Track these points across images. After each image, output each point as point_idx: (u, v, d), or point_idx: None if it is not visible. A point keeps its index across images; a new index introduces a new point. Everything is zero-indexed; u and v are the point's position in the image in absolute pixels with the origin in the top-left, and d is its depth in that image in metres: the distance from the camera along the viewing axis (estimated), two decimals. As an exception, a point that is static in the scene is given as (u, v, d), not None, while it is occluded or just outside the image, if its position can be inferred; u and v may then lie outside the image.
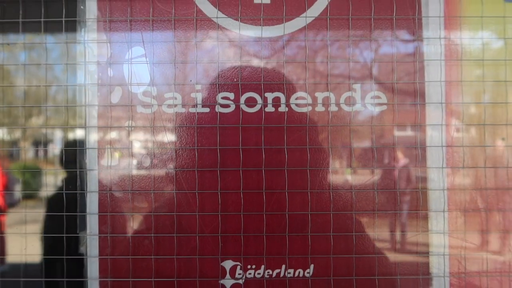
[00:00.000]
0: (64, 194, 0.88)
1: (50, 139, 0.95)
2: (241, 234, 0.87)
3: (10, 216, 0.94)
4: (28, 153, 0.95)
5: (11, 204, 0.96)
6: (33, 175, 0.95)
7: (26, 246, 0.90)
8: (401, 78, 0.92)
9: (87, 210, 0.89)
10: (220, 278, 0.88)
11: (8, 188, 0.97)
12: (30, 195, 0.94)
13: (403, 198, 0.91)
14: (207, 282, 0.88)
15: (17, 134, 0.97)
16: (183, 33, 0.91)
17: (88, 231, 0.89)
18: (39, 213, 0.91)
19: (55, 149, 0.96)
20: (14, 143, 0.98)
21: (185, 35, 0.91)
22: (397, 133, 0.92)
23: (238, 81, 0.90)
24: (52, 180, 0.93)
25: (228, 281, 0.88)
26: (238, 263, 0.88)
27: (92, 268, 0.89)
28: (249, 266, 0.88)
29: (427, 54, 0.92)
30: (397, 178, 0.91)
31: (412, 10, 0.92)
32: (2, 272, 0.93)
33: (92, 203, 0.89)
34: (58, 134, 0.95)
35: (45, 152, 0.95)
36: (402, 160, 0.92)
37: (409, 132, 0.92)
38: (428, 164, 0.91)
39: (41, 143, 0.94)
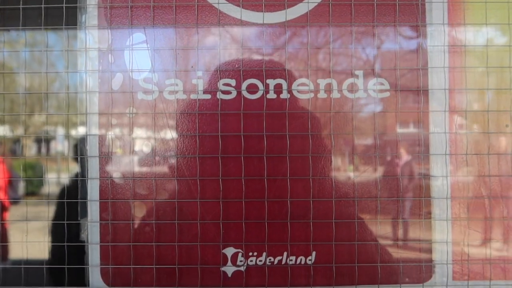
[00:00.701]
0: (66, 181, 0.88)
1: (50, 126, 0.95)
2: (243, 221, 0.87)
3: (12, 204, 0.94)
4: (29, 140, 0.95)
5: (13, 192, 0.96)
6: (34, 163, 0.95)
7: (27, 233, 0.89)
8: (405, 63, 0.91)
9: (88, 197, 0.89)
10: (222, 265, 0.88)
11: (9, 176, 0.97)
12: (31, 183, 0.94)
13: (406, 185, 0.90)
14: (208, 269, 0.88)
15: (17, 121, 0.96)
16: (184, 19, 0.90)
17: (89, 218, 0.89)
18: (40, 200, 0.91)
19: (56, 136, 0.95)
20: (14, 130, 0.97)
21: (186, 21, 0.90)
22: (400, 119, 0.91)
23: (239, 67, 0.89)
24: (53, 167, 0.93)
25: (229, 268, 0.88)
26: (239, 250, 0.88)
27: (93, 255, 0.88)
28: (250, 253, 0.88)
29: (431, 40, 0.91)
30: (400, 166, 0.91)
31: (415, -4, 0.91)
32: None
33: (93, 190, 0.89)
34: (59, 121, 0.95)
35: (46, 140, 0.94)
36: (404, 153, 0.91)
37: (412, 119, 0.91)
38: (431, 151, 0.90)
39: (41, 131, 0.94)
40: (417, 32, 0.91)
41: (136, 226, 0.88)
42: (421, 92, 0.89)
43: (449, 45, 0.91)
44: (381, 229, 0.89)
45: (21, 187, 0.95)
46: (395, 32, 0.91)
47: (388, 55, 0.91)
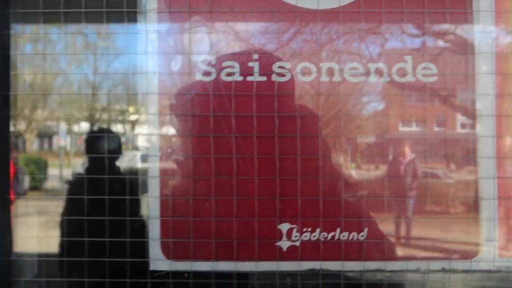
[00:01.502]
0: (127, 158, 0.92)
1: (114, 106, 0.98)
2: (298, 198, 0.90)
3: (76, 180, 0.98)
4: (92, 118, 0.99)
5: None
6: (96, 140, 0.99)
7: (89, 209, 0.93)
8: (452, 49, 0.94)
9: (149, 175, 0.92)
10: (277, 240, 0.91)
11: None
12: (95, 158, 0.98)
13: (457, 167, 0.94)
14: (264, 244, 0.91)
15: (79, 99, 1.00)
16: (242, 3, 0.93)
17: (149, 194, 0.92)
18: (103, 177, 0.94)
19: (118, 116, 0.99)
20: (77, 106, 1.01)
21: (244, 6, 0.93)
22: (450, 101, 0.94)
23: (293, 51, 0.93)
24: (114, 145, 0.97)
25: (285, 243, 0.91)
26: (294, 225, 0.91)
27: (154, 229, 0.92)
28: (305, 229, 0.91)
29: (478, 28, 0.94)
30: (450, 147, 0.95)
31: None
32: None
33: (154, 167, 0.92)
34: (121, 101, 0.99)
35: (107, 118, 0.98)
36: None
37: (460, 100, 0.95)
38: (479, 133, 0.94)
39: (105, 109, 0.97)
40: (465, 19, 0.94)
41: (195, 202, 0.92)
42: (469, 76, 0.93)
43: (495, 33, 0.94)
44: (433, 205, 0.93)
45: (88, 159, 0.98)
46: (444, 18, 0.94)
47: (436, 41, 0.95)
